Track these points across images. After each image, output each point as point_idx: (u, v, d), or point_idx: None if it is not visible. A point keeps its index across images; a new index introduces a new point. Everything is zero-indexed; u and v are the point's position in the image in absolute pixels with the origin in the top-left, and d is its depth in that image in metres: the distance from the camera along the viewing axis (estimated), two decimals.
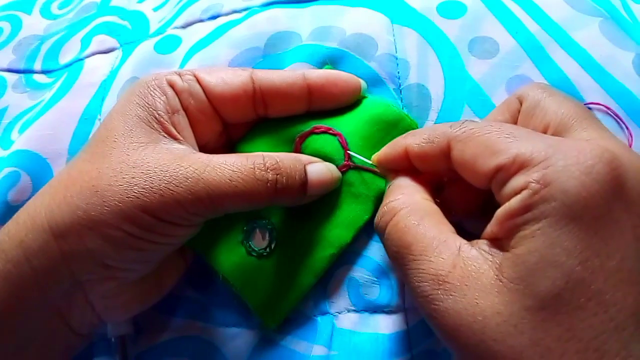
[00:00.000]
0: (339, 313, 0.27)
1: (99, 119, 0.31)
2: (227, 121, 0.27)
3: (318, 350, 0.26)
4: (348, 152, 0.27)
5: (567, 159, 0.19)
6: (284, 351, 0.26)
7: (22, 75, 0.35)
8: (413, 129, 0.28)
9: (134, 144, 0.24)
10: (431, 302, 0.20)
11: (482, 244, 0.20)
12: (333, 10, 0.32)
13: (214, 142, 0.27)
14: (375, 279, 0.27)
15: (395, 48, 0.30)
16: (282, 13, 0.32)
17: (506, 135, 0.21)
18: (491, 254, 0.20)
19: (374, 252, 0.27)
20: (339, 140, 0.27)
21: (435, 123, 0.28)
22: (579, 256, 0.18)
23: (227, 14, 0.33)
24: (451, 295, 0.19)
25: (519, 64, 0.29)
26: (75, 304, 0.24)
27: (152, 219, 0.22)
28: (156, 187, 0.22)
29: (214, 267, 0.27)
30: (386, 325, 0.26)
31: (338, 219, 0.27)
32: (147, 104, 0.25)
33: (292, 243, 0.27)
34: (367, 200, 0.27)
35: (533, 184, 0.19)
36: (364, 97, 0.28)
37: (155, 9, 0.37)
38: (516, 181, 0.19)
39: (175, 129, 0.25)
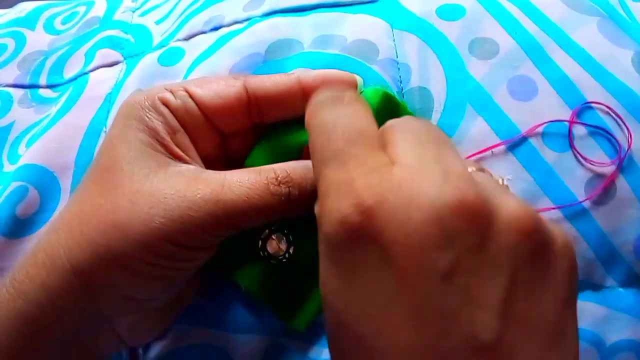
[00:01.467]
0: None
1: (105, 132, 0.31)
2: (223, 132, 0.27)
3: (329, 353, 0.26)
4: None
5: (333, 202, 0.18)
6: (294, 355, 0.26)
7: (27, 90, 0.36)
8: (409, 114, 0.28)
9: (144, 170, 0.23)
10: None
11: None
12: (333, 17, 0.32)
13: (213, 156, 0.27)
14: None
15: (396, 53, 0.30)
16: (282, 21, 0.32)
17: (324, 151, 0.20)
18: None
19: None
20: None
21: (438, 123, 0.28)
22: (344, 298, 0.18)
23: (228, 25, 0.34)
24: None
25: (519, 64, 0.29)
26: (101, 336, 0.24)
27: (175, 247, 0.22)
28: (177, 215, 0.22)
29: (236, 281, 0.27)
30: None
31: None
32: (147, 127, 0.24)
33: (310, 247, 0.27)
34: None
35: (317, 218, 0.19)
36: (361, 92, 0.28)
37: (158, 22, 0.37)
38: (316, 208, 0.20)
39: (180, 148, 0.25)
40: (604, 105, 0.28)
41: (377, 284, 0.17)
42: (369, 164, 0.19)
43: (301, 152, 0.27)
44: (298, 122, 0.28)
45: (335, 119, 0.20)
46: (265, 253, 0.27)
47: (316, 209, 0.19)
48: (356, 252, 0.18)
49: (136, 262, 0.22)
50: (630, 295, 0.27)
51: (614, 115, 0.28)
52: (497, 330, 0.17)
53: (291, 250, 0.27)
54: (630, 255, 0.27)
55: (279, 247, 0.26)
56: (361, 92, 0.28)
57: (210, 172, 0.24)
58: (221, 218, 0.22)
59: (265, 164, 0.25)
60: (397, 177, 0.18)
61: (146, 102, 0.25)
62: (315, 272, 0.26)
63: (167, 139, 0.24)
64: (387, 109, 0.28)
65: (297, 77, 0.27)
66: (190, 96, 0.25)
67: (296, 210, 0.25)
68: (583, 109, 0.28)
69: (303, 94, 0.27)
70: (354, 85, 0.28)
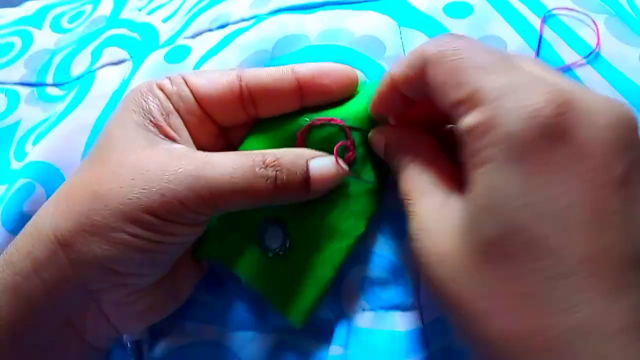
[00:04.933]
0: (355, 313, 0.27)
1: None
2: (219, 123, 0.27)
3: (335, 350, 0.26)
4: (351, 141, 0.27)
5: (519, 99, 0.18)
6: (300, 353, 0.26)
7: (34, 88, 0.36)
8: None
9: (133, 147, 0.24)
10: (414, 241, 0.21)
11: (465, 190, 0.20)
12: (340, 14, 0.32)
13: (211, 147, 0.27)
14: (390, 277, 0.27)
15: (404, 50, 0.30)
16: (289, 19, 0.32)
17: (474, 64, 0.20)
18: (461, 198, 0.20)
19: (387, 249, 0.27)
20: (342, 130, 0.27)
21: None
22: (522, 199, 0.18)
23: (235, 23, 0.34)
24: (427, 235, 0.21)
25: None
26: (88, 315, 0.24)
27: (155, 219, 0.22)
28: (156, 187, 0.22)
29: (235, 273, 0.27)
30: (402, 323, 0.26)
31: (349, 209, 0.27)
32: (142, 109, 0.25)
33: (307, 239, 0.27)
34: (375, 188, 0.27)
35: (481, 126, 0.19)
36: (364, 85, 0.28)
37: (164, 20, 0.37)
38: (468, 119, 0.19)
39: (172, 129, 0.25)
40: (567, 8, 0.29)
41: (564, 184, 0.18)
42: (536, 73, 0.20)
43: (295, 140, 0.27)
44: (292, 113, 0.27)
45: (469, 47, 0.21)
46: (262, 245, 0.27)
47: (473, 117, 0.19)
48: (545, 148, 0.18)
49: (116, 232, 0.22)
50: None
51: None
52: None
53: (287, 244, 0.27)
54: None
55: (277, 240, 0.27)
56: (364, 86, 0.28)
57: (199, 152, 0.25)
58: (202, 194, 0.23)
59: (257, 149, 0.25)
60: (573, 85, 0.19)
61: (145, 88, 0.26)
62: (311, 265, 0.26)
63: (161, 119, 0.25)
64: None
65: (291, 68, 0.26)
66: (186, 84, 0.26)
67: (284, 196, 0.25)
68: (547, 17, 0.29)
69: (298, 87, 0.26)
70: (353, 79, 0.27)
